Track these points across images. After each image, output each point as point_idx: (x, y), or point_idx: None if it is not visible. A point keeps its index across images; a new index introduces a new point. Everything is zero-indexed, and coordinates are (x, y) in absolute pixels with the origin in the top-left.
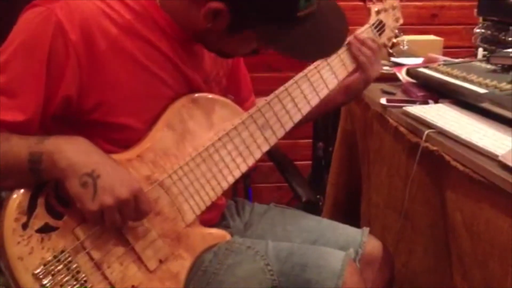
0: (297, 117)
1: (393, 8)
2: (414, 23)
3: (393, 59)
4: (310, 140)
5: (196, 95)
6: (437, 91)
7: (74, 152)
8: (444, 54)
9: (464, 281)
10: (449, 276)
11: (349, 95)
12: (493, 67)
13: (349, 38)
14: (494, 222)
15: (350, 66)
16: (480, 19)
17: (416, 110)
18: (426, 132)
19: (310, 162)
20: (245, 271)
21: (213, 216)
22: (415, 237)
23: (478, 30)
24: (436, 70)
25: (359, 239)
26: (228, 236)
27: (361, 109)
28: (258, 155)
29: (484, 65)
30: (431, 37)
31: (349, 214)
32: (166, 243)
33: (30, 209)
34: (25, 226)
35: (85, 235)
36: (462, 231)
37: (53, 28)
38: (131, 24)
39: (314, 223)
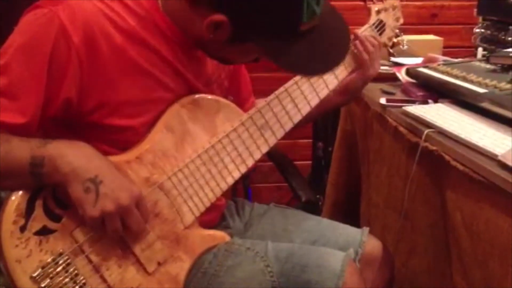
0: (297, 118)
1: (394, 7)
2: (414, 22)
3: (392, 59)
4: (310, 140)
5: (196, 96)
6: (436, 91)
7: (76, 157)
8: (444, 54)
9: (464, 281)
10: (449, 276)
11: (348, 95)
12: (492, 66)
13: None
14: (494, 222)
15: (350, 66)
16: (480, 18)
17: (416, 110)
18: (426, 132)
19: (310, 162)
20: (244, 272)
21: (213, 217)
22: (415, 237)
23: (477, 30)
24: (436, 70)
25: (359, 239)
26: (227, 238)
27: (360, 109)
28: (257, 156)
29: (483, 64)
30: (431, 37)
31: (349, 214)
32: (165, 245)
33: (28, 212)
34: (23, 228)
35: (84, 238)
36: (462, 231)
37: (56, 30)
38: (133, 28)
39: (314, 223)
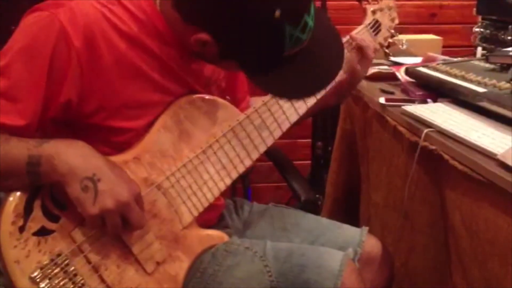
0: (294, 117)
1: (389, 8)
2: (413, 22)
3: (392, 58)
4: (309, 140)
5: (193, 96)
6: (436, 90)
7: (73, 156)
8: (443, 53)
9: (464, 280)
10: (448, 275)
11: (338, 97)
12: (492, 66)
13: (346, 38)
14: (493, 221)
15: (345, 67)
16: (479, 18)
17: (415, 109)
18: (425, 131)
19: (309, 161)
20: (243, 272)
21: (212, 216)
22: (414, 236)
23: (477, 29)
24: (435, 69)
25: (358, 239)
26: (226, 237)
27: (360, 109)
28: (255, 155)
29: (483, 64)
30: (430, 36)
31: (348, 214)
32: (164, 245)
33: (27, 212)
34: (21, 229)
35: (82, 238)
36: (461, 230)
37: (56, 33)
38: (133, 32)
39: (313, 222)
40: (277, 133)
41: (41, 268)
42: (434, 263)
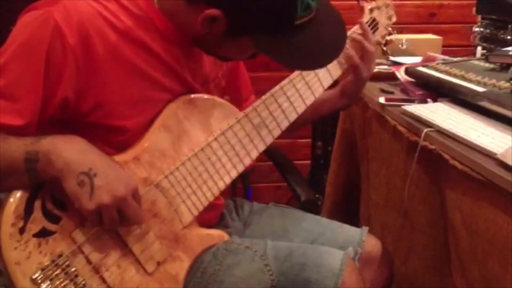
0: (293, 116)
1: (386, 6)
2: (413, 22)
3: (391, 58)
4: (309, 140)
5: (192, 96)
6: (435, 90)
7: (70, 151)
8: (443, 53)
9: (463, 280)
10: (448, 275)
11: (347, 98)
12: (491, 65)
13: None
14: (493, 220)
15: (344, 64)
16: (479, 17)
17: (415, 109)
18: (425, 130)
19: (309, 161)
20: (244, 271)
21: (212, 216)
22: (414, 236)
23: (476, 29)
24: (435, 68)
25: (358, 238)
26: (226, 237)
27: (360, 108)
28: (254, 154)
29: (482, 63)
30: (430, 36)
31: (348, 213)
32: (164, 245)
33: (27, 214)
34: (22, 230)
35: (83, 239)
36: (461, 230)
37: (51, 31)
38: (129, 28)
39: (313, 222)
40: (276, 132)
41: (42, 269)
42: (434, 262)
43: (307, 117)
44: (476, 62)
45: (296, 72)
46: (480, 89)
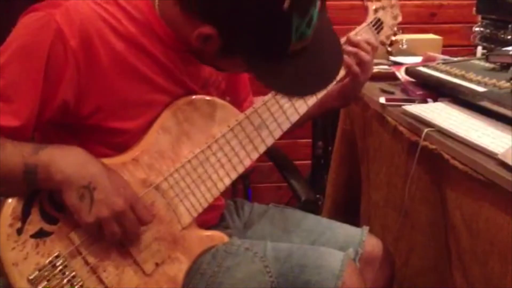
0: (294, 117)
1: (391, 6)
2: (413, 21)
3: (392, 58)
4: (310, 140)
5: (192, 97)
6: (436, 90)
7: (69, 164)
8: (443, 53)
9: (464, 279)
10: (448, 275)
11: (345, 100)
12: (492, 65)
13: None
14: (493, 220)
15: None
16: (479, 17)
17: (415, 109)
18: (425, 130)
19: (309, 161)
20: (243, 273)
21: (212, 217)
22: (415, 236)
23: (477, 29)
24: (435, 68)
25: (359, 239)
26: (225, 238)
27: (360, 108)
28: (255, 156)
29: (483, 63)
30: (431, 35)
31: (349, 213)
32: (163, 246)
33: (25, 215)
34: (19, 231)
35: (80, 240)
36: (461, 229)
37: (53, 34)
38: (130, 32)
39: (313, 222)
40: (277, 133)
41: (40, 270)
42: (434, 262)
43: (308, 115)
44: (476, 62)
45: None
46: (480, 89)
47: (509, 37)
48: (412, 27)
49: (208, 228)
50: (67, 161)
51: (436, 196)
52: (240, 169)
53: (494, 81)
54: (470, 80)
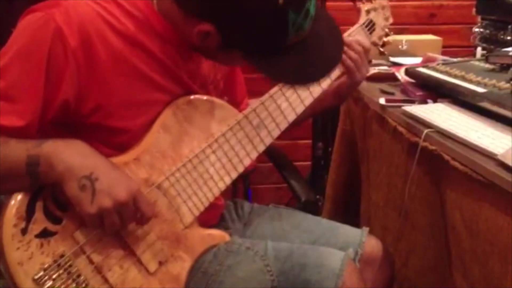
0: (292, 117)
1: (383, 7)
2: (413, 22)
3: (391, 59)
4: (310, 141)
5: (191, 97)
6: (436, 91)
7: (71, 155)
8: (443, 54)
9: (464, 280)
10: (448, 275)
11: (339, 99)
12: (491, 66)
13: None
14: (493, 221)
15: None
16: (479, 18)
17: (415, 109)
18: (425, 131)
19: (309, 162)
20: (244, 272)
21: (212, 216)
22: (415, 236)
23: (476, 29)
24: (435, 69)
25: (359, 239)
26: (227, 237)
27: (360, 109)
28: (254, 155)
29: (482, 64)
30: (430, 36)
31: (349, 214)
32: (166, 245)
33: (29, 214)
34: (24, 231)
35: (85, 239)
36: (461, 230)
37: (52, 33)
38: (129, 30)
39: (313, 223)
40: (276, 133)
41: (45, 270)
42: (434, 263)
43: (304, 115)
44: (476, 63)
45: None
46: (480, 89)
47: (508, 37)
48: (411, 28)
49: (208, 227)
50: (70, 152)
51: (436, 197)
52: (240, 168)
53: (494, 82)
54: (470, 81)
